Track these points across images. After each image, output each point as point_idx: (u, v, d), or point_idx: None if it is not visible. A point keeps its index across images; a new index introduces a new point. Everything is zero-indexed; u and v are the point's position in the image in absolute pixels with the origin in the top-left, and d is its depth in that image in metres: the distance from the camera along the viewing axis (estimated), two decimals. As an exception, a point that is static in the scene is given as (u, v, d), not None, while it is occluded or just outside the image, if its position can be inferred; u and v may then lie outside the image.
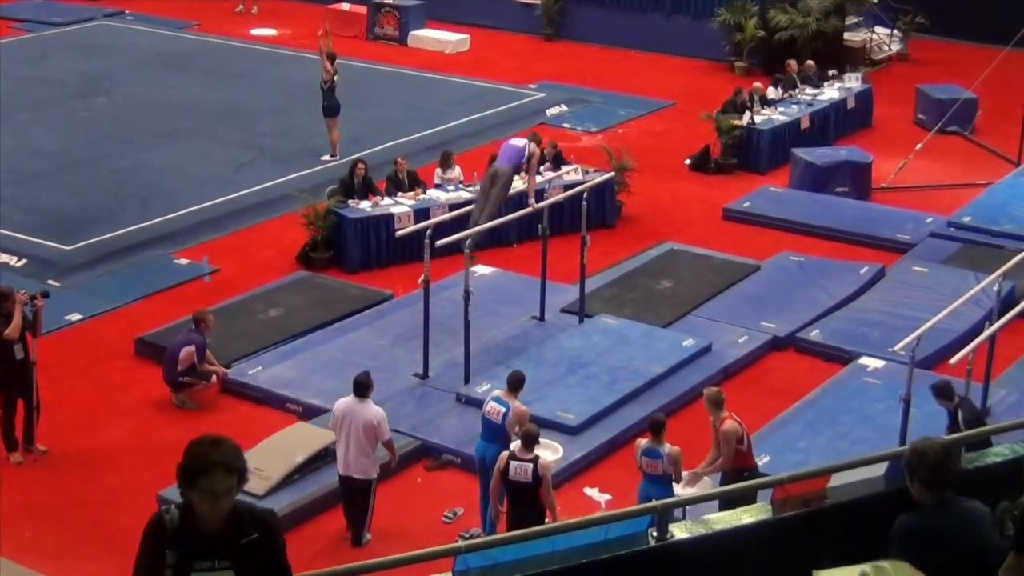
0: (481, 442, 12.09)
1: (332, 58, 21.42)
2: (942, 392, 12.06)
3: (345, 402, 12.05)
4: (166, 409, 14.33)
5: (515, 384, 12.11)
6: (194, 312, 14.74)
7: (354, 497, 12.11)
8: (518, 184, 16.57)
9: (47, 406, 13.44)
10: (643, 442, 11.51)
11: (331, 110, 21.32)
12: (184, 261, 18.03)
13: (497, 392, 12.34)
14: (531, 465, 10.99)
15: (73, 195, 19.96)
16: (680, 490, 11.37)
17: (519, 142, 16.04)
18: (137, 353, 15.43)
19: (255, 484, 11.86)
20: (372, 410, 11.93)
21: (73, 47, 28.11)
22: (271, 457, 12.62)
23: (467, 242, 14.44)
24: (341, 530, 12.22)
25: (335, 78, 21.26)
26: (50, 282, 16.67)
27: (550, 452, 12.74)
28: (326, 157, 21.44)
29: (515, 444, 11.27)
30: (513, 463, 11.04)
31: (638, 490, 11.44)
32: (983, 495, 6.08)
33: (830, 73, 24.30)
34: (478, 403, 12.81)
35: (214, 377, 14.50)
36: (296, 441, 13.09)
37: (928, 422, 12.38)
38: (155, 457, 13.25)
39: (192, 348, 14.28)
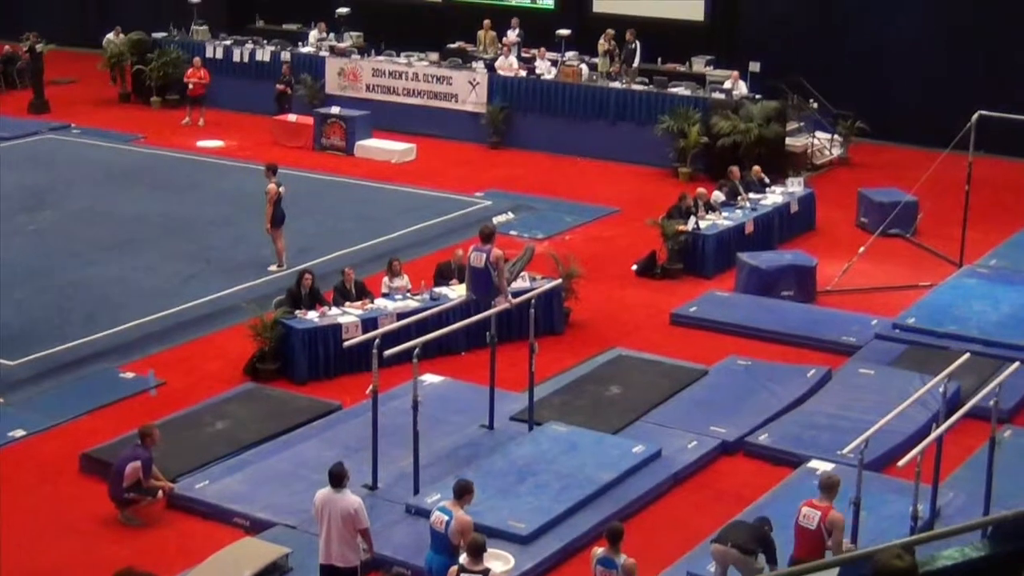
0: (430, 553, 12.01)
1: (273, 170, 21.50)
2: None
3: (323, 493, 12.09)
4: (112, 526, 14.14)
5: (461, 492, 12.06)
6: (140, 427, 14.61)
7: None
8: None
9: (-10, 525, 13.26)
10: (599, 551, 11.45)
11: (275, 220, 21.35)
12: (130, 375, 17.90)
13: (444, 502, 12.28)
14: (481, 577, 10.91)
15: (18, 309, 19.82)
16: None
17: (479, 262, 15.42)
18: (82, 470, 15.25)
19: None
20: (349, 499, 11.98)
21: (19, 161, 28.06)
22: (218, 574, 12.46)
23: (416, 351, 14.41)
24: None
25: (280, 190, 21.30)
26: (-6, 398, 16.54)
27: (501, 562, 12.65)
28: (273, 267, 21.43)
29: (464, 557, 11.18)
30: None
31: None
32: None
33: (766, 180, 24.53)
34: (428, 514, 12.71)
35: (160, 492, 14.34)
36: (243, 557, 12.93)
37: (879, 527, 12.41)
38: (101, 575, 13.09)
39: (138, 464, 14.13)
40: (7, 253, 22.14)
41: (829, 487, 12.03)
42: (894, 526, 12.88)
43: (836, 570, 7.09)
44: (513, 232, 23.80)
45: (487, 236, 15.46)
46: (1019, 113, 22.65)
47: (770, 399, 17.02)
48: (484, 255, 15.31)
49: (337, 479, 12.05)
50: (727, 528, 12.46)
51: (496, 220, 24.20)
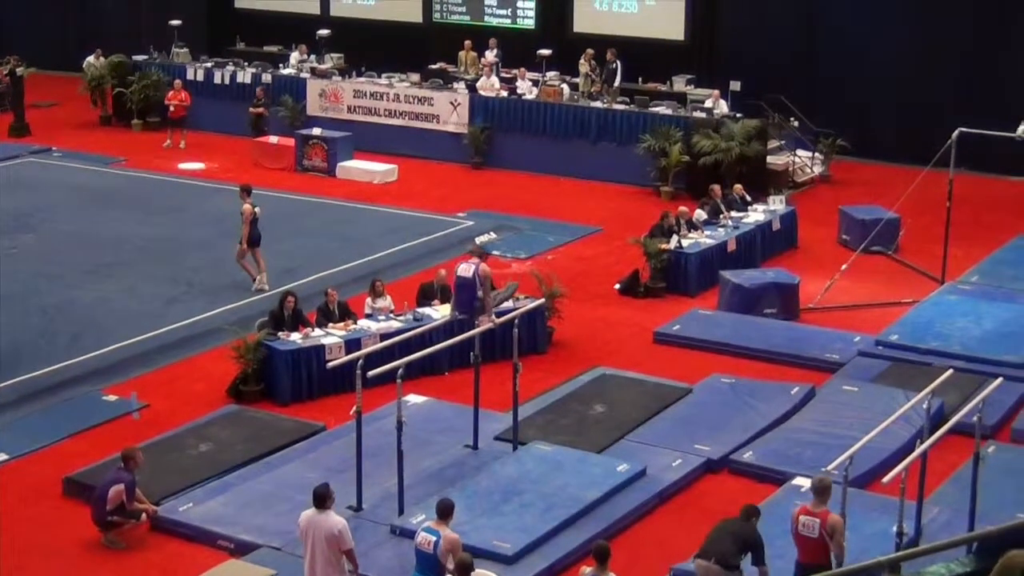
0: (416, 574, 11.98)
1: (248, 191, 21.51)
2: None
3: (308, 514, 12.07)
4: (96, 550, 14.07)
5: (444, 512, 12.06)
6: (123, 449, 14.56)
7: None
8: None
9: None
10: (587, 570, 11.46)
11: (251, 240, 21.38)
12: (113, 397, 17.84)
13: (428, 523, 12.27)
14: (467, 598, 10.89)
15: (0, 333, 19.74)
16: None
17: (467, 272, 15.71)
18: (65, 493, 15.19)
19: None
20: (333, 520, 11.94)
21: (0, 185, 27.98)
22: (203, 596, 12.43)
23: (399, 371, 14.39)
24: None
25: (256, 210, 21.33)
26: (-24, 422, 16.47)
27: (487, 582, 12.63)
28: (259, 286, 21.38)
29: (450, 577, 11.18)
30: (449, 596, 10.94)
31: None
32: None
33: (748, 198, 24.59)
34: (412, 534, 12.68)
35: (144, 515, 14.28)
36: (228, 579, 12.90)
37: (864, 545, 12.40)
38: (84, 599, 13.07)
39: (121, 487, 14.07)
40: (-11, 277, 22.08)
41: (822, 490, 12.04)
42: (878, 543, 12.88)
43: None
44: (496, 252, 23.79)
45: (480, 255, 15.73)
46: (1000, 130, 22.76)
47: (754, 417, 17.03)
48: (473, 267, 15.47)
49: (321, 500, 12.02)
50: (712, 538, 12.42)
51: (479, 240, 24.24)
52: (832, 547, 11.77)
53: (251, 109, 30.92)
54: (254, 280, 21.47)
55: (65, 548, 14.14)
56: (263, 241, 21.61)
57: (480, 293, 15.57)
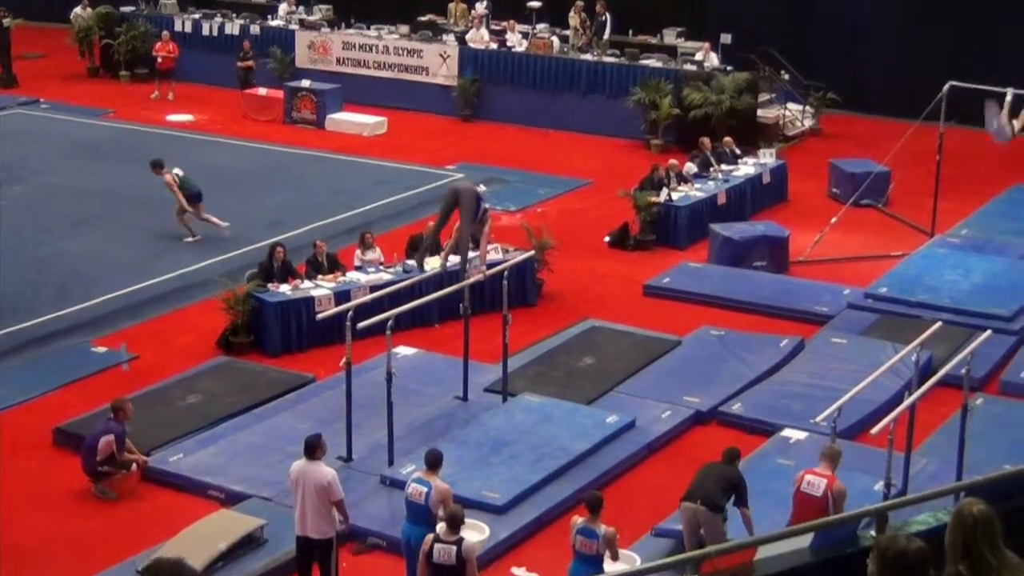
0: (407, 524, 12.01)
1: (158, 164, 21.60)
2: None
3: (298, 464, 12.06)
4: (86, 499, 14.10)
5: (433, 462, 12.09)
6: (113, 400, 14.57)
7: (314, 557, 12.08)
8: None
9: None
10: (579, 520, 11.47)
11: (192, 200, 21.43)
12: (102, 349, 17.82)
13: (417, 473, 12.29)
14: (455, 548, 10.93)
15: (-12, 285, 19.72)
16: (610, 567, 11.33)
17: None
18: (55, 443, 15.20)
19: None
20: (323, 471, 11.95)
21: (-13, 136, 27.87)
22: (193, 546, 12.42)
23: (389, 323, 14.39)
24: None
25: (177, 173, 21.52)
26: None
27: (476, 532, 12.68)
28: (225, 230, 21.45)
29: (440, 526, 11.20)
30: (437, 546, 10.97)
31: (568, 570, 11.40)
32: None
33: (738, 151, 24.56)
34: (403, 485, 12.72)
35: (134, 466, 14.30)
36: (218, 529, 12.92)
37: (851, 495, 12.42)
38: (75, 548, 13.08)
39: (111, 437, 14.09)
40: (-23, 228, 22.00)
41: (832, 456, 12.05)
42: (866, 494, 12.93)
43: (810, 536, 7.14)
44: (486, 205, 23.69)
45: None
46: (990, 84, 22.70)
47: (743, 369, 17.07)
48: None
49: (311, 450, 12.01)
50: (697, 481, 12.45)
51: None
52: (831, 512, 11.72)
53: (239, 63, 30.76)
54: (192, 236, 21.52)
55: (56, 498, 14.15)
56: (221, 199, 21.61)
57: (485, 206, 15.71)
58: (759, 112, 28.28)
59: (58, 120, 29.49)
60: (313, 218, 22.64)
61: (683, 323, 18.63)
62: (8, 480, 14.45)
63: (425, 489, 11.85)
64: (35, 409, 16.14)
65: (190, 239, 21.50)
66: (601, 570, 11.14)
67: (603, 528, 11.28)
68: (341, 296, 17.62)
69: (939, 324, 15.28)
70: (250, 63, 30.73)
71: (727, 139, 24.81)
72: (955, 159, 23.49)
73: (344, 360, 14.49)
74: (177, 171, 21.55)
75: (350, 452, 14.56)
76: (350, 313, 14.56)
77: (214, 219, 21.54)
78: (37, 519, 13.76)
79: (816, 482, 11.93)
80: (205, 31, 32.67)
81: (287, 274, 18.30)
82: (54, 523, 13.69)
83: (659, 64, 28.52)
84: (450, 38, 30.57)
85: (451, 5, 32.34)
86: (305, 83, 29.75)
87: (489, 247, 18.79)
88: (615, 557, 11.33)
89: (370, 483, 14.12)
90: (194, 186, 21.53)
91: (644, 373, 17.05)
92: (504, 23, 30.80)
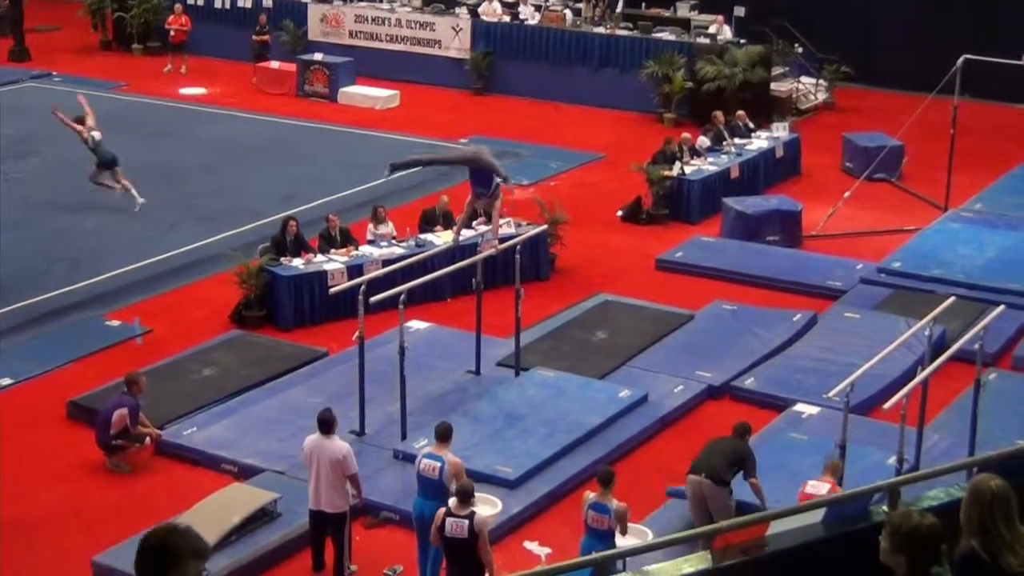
0: (419, 499, 12.03)
1: (80, 120, 21.47)
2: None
3: (312, 439, 12.11)
4: (100, 473, 14.15)
5: (443, 436, 12.11)
6: (126, 374, 14.61)
7: (327, 531, 12.16)
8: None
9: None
10: (591, 495, 11.49)
11: (103, 164, 21.28)
12: (116, 323, 17.86)
13: (428, 448, 12.32)
14: (467, 521, 10.95)
15: (1, 258, 19.71)
16: (621, 541, 11.35)
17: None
18: (70, 417, 15.25)
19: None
20: (337, 445, 12.01)
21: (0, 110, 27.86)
22: (206, 519, 12.44)
23: (401, 297, 14.41)
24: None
25: (94, 134, 21.30)
26: (-21, 347, 16.50)
27: (488, 507, 12.70)
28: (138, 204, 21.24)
29: (452, 500, 11.23)
30: (449, 520, 11.00)
31: (580, 545, 11.42)
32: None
33: (751, 125, 24.50)
34: (415, 459, 12.73)
35: (148, 439, 14.34)
36: (232, 502, 12.95)
37: (864, 470, 12.43)
38: (89, 522, 13.13)
39: (125, 411, 14.13)
40: (-10, 202, 22.04)
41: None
42: (878, 469, 12.94)
43: (822, 511, 7.15)
44: (498, 180, 23.67)
45: None
46: (1004, 57, 22.63)
47: (756, 343, 17.06)
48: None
49: (326, 425, 12.07)
50: (704, 454, 12.46)
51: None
52: None
53: (254, 37, 30.70)
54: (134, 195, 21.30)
55: (70, 471, 14.21)
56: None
57: (498, 180, 15.55)
58: (772, 86, 28.21)
59: (71, 93, 29.31)
60: (326, 192, 22.64)
61: (696, 297, 18.62)
62: (23, 453, 14.52)
63: (438, 464, 11.87)
64: (49, 382, 16.19)
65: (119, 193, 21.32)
66: (613, 545, 11.16)
67: (615, 503, 11.30)
68: (354, 270, 17.62)
69: (952, 299, 15.25)
70: (266, 37, 30.68)
71: (740, 113, 24.76)
72: (969, 133, 23.44)
73: (357, 334, 14.51)
74: (96, 133, 21.38)
75: (363, 426, 14.59)
76: (363, 287, 14.56)
77: (125, 186, 21.34)
78: (51, 492, 13.81)
79: (819, 486, 11.88)
80: (217, 4, 32.61)
81: (300, 248, 18.31)
82: (68, 496, 13.74)
83: (672, 37, 28.45)
84: (462, 11, 30.52)
85: (464, -22, 32.26)
86: (317, 56, 29.73)
87: (502, 221, 18.83)
88: (624, 532, 11.35)
89: (383, 457, 14.15)
90: (108, 153, 21.38)
91: (657, 347, 17.05)
92: (517, -4, 30.73)
